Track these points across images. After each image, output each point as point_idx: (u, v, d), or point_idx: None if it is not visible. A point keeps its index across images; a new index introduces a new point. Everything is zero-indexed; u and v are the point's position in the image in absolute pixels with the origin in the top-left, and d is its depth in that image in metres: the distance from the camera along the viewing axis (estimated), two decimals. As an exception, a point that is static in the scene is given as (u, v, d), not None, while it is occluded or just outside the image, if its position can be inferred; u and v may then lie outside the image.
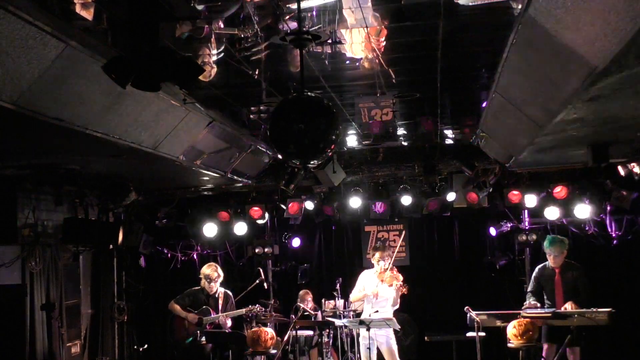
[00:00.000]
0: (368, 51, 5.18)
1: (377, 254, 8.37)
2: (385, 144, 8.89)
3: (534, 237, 9.79)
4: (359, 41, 5.06)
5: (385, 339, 8.24)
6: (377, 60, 5.35)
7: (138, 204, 10.16)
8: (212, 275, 8.75)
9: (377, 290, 8.24)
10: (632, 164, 8.38)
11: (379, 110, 6.74)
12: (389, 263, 8.26)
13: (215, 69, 5.17)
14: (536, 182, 9.59)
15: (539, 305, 7.94)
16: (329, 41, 4.93)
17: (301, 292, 9.73)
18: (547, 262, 8.20)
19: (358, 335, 8.31)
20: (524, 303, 8.14)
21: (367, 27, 4.77)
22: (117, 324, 10.41)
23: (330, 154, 4.14)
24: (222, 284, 8.98)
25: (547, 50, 4.47)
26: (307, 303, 9.50)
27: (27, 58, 4.23)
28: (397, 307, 8.35)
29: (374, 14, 4.71)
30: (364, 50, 5.17)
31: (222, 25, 4.78)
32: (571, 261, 8.14)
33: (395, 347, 8.32)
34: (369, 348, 8.01)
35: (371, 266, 8.58)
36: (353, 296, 8.58)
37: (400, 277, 8.12)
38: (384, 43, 5.15)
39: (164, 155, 6.94)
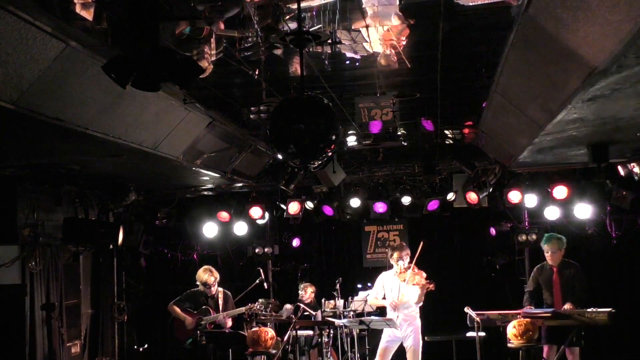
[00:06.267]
0: (386, 47, 5.16)
1: (395, 254, 7.97)
2: (385, 144, 8.91)
3: (534, 237, 9.76)
4: (376, 38, 5.03)
5: (413, 338, 7.89)
6: (394, 58, 5.33)
7: (138, 204, 10.16)
8: (209, 280, 8.67)
9: (398, 302, 7.87)
10: (632, 164, 8.38)
11: (379, 110, 6.73)
12: (409, 262, 7.91)
13: (211, 67, 5.16)
14: (536, 182, 9.57)
15: (533, 307, 7.93)
16: (329, 41, 4.92)
17: (302, 285, 9.70)
18: (545, 262, 8.19)
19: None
20: (524, 303, 8.12)
21: (377, 25, 4.76)
22: (117, 324, 10.41)
23: (330, 154, 4.14)
24: (222, 284, 8.96)
25: (547, 50, 4.47)
26: (307, 294, 9.45)
27: (27, 58, 4.24)
28: (420, 304, 8.00)
29: (397, 12, 4.69)
30: (383, 45, 5.14)
31: (222, 27, 4.78)
32: (569, 260, 8.13)
33: (420, 348, 7.93)
34: (385, 347, 7.92)
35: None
36: (370, 300, 8.41)
37: (424, 274, 7.82)
38: (404, 42, 5.13)
39: (164, 155, 6.95)
